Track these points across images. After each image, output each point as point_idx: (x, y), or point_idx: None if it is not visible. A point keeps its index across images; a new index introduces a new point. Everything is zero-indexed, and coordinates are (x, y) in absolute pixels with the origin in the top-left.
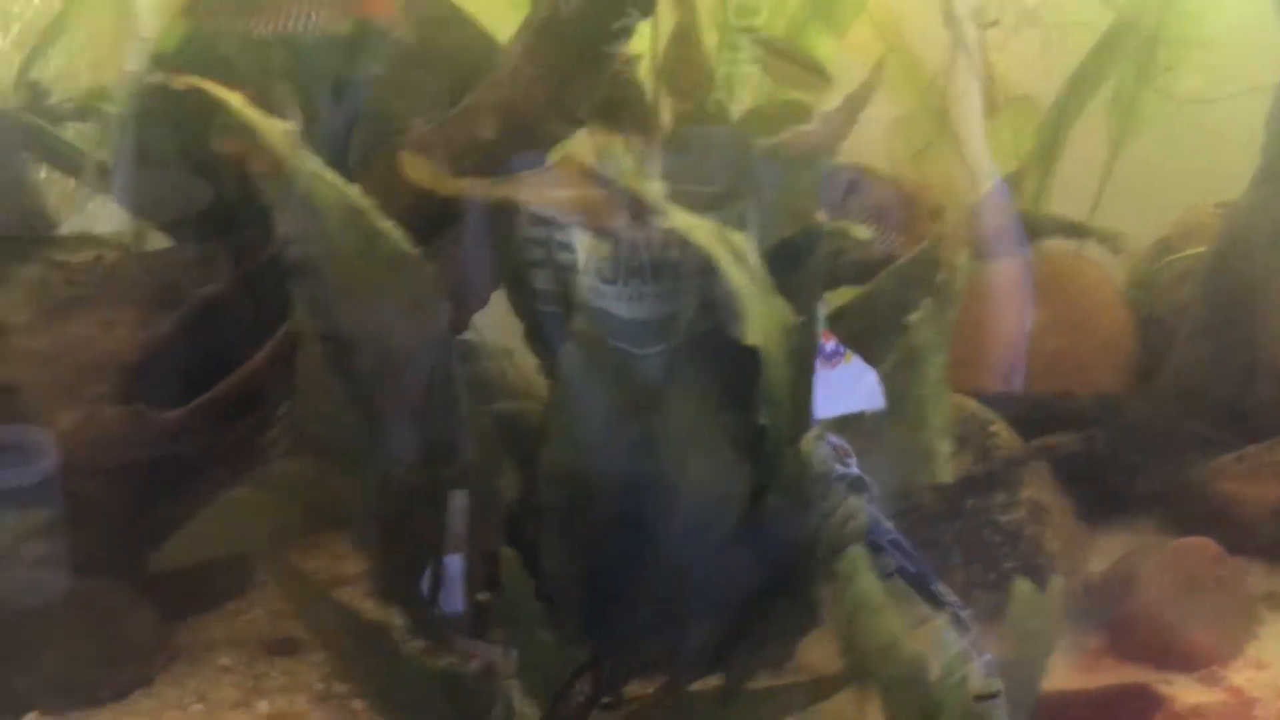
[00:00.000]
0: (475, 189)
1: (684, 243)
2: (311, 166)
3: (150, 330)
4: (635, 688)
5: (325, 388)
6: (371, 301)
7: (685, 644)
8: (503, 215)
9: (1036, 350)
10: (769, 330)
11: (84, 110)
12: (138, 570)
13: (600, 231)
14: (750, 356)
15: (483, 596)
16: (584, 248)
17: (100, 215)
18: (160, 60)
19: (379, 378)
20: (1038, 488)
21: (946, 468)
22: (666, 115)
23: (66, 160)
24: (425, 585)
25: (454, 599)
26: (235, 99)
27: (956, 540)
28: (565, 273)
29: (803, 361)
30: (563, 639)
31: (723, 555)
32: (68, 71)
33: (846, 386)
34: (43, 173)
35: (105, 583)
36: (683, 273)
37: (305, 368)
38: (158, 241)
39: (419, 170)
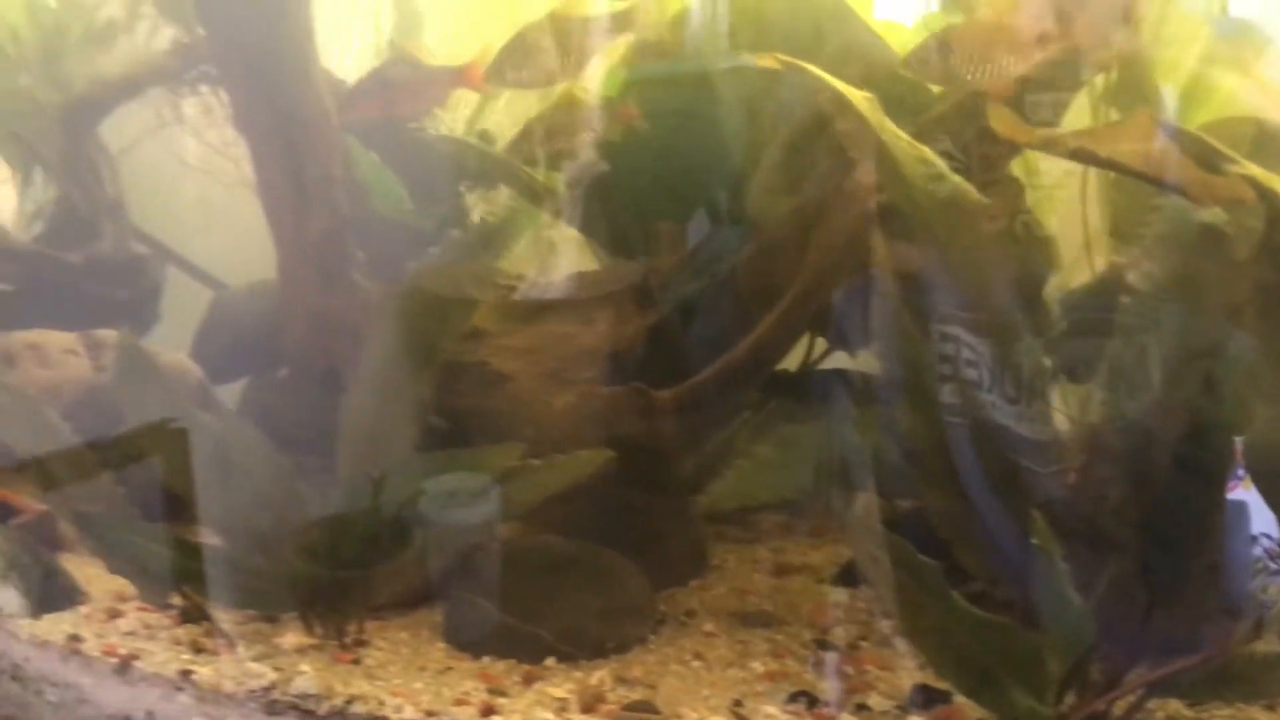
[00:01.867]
0: (1056, 142)
1: None
2: (890, 126)
3: (629, 326)
4: None
5: (900, 324)
6: (945, 242)
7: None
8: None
9: None
10: None
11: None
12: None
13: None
14: None
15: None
16: (988, 364)
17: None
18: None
19: (956, 315)
20: None
21: None
22: None
23: (531, 192)
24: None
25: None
26: (818, 71)
27: None
28: (970, 388)
29: None
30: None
31: None
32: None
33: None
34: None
35: (603, 549)
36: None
37: (880, 306)
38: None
39: (1004, 122)
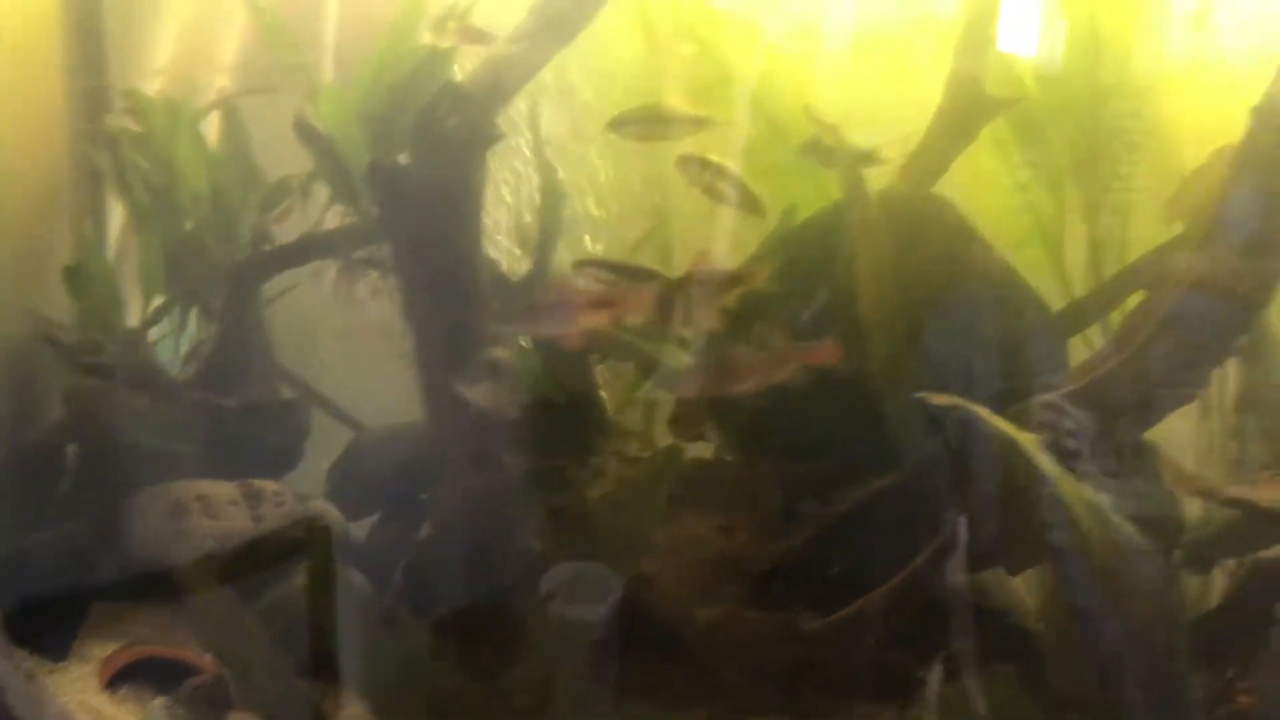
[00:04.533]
0: None
1: None
2: (1057, 470)
3: (776, 542)
4: None
5: (1073, 653)
6: (1114, 585)
7: None
8: None
9: None
10: None
11: None
12: None
13: None
14: None
15: None
16: None
17: None
18: None
19: (1118, 654)
20: None
21: None
22: None
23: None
24: None
25: None
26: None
27: None
28: None
29: None
30: None
31: None
32: None
33: None
34: None
35: None
36: None
37: (1053, 626)
38: None
39: None
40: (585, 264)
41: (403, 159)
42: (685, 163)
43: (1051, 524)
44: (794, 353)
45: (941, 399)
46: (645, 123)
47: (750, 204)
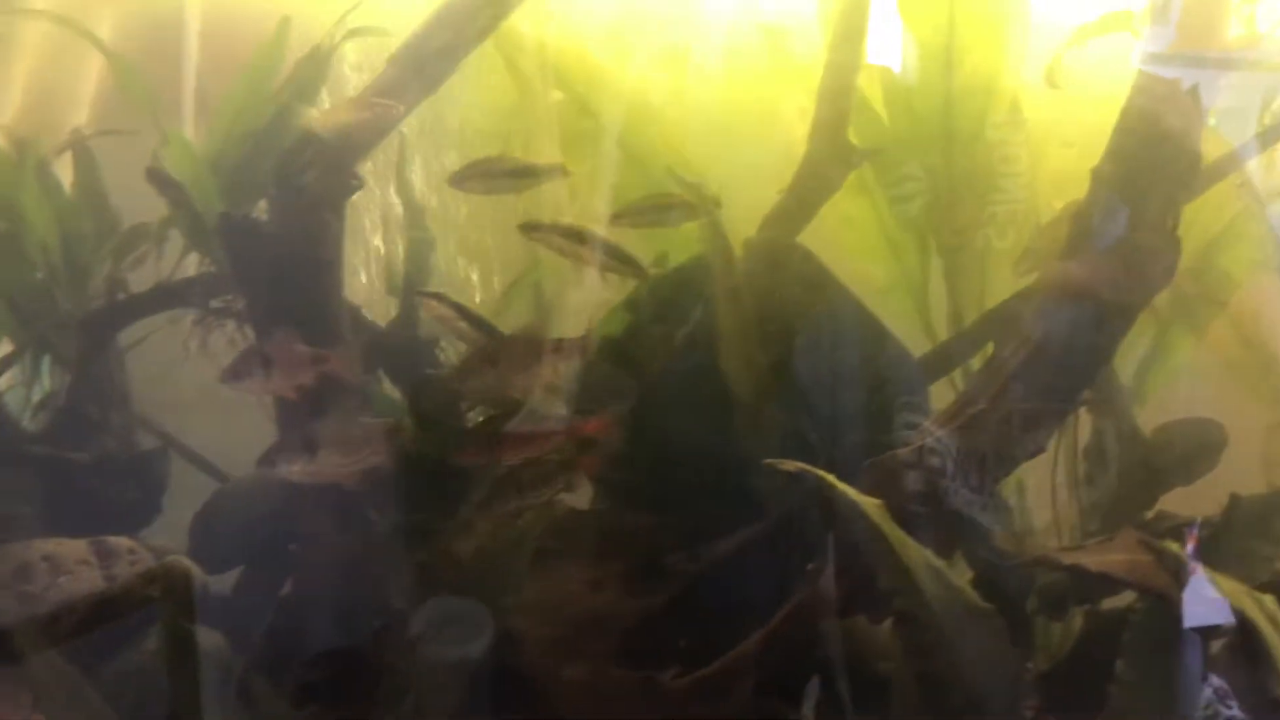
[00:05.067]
0: None
1: None
2: (899, 533)
3: (643, 596)
4: None
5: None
6: (956, 646)
7: None
8: None
9: None
10: None
11: None
12: None
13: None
14: None
15: None
16: None
17: None
18: None
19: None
20: None
21: None
22: None
23: None
24: None
25: None
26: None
27: None
28: None
29: None
30: None
31: None
32: None
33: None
34: None
35: None
36: None
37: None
38: None
39: None
40: (429, 296)
41: (260, 207)
42: (531, 230)
43: (893, 590)
44: (566, 427)
45: (789, 465)
46: (486, 177)
47: (624, 264)
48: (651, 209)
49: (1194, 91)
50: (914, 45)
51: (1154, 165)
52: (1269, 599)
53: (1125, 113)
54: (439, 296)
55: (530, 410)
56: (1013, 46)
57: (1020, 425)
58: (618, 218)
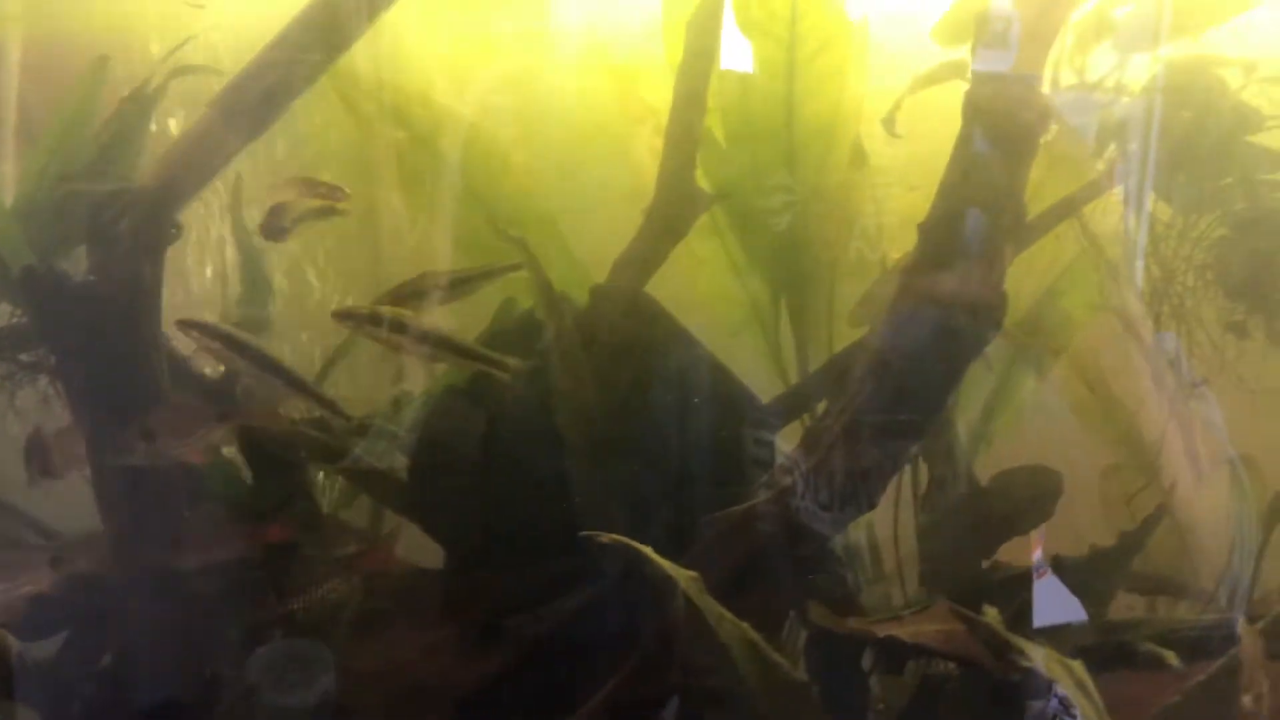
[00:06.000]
0: None
1: None
2: (715, 608)
3: (478, 665)
4: None
5: None
6: None
7: None
8: None
9: None
10: None
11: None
12: None
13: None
14: None
15: None
16: None
17: None
18: None
19: None
20: None
21: None
22: None
23: None
24: None
25: None
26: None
27: None
28: None
29: None
30: None
31: None
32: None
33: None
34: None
35: None
36: None
37: None
38: None
39: None
40: (191, 326)
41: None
42: (346, 318)
43: (707, 668)
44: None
45: (607, 537)
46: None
47: (447, 350)
48: (479, 275)
49: (1021, 138)
50: (755, 91)
51: (978, 216)
52: (1077, 665)
53: (949, 165)
54: (201, 326)
55: None
56: (852, 92)
57: (870, 438)
58: (453, 286)
